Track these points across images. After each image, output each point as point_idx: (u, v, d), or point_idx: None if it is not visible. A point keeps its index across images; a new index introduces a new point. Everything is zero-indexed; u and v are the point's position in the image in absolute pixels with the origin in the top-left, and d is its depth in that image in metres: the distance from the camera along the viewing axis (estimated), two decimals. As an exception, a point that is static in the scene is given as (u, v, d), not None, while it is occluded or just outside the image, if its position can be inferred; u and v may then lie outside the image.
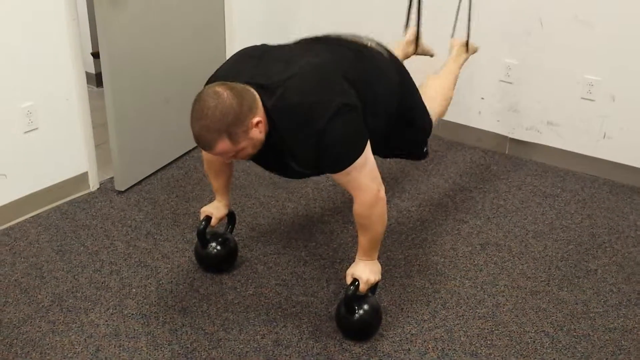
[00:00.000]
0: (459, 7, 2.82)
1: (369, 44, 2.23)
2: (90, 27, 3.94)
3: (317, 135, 1.87)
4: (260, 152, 1.97)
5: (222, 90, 1.83)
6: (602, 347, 2.18)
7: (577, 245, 2.72)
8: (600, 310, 2.35)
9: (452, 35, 2.88)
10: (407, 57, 2.87)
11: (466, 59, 2.85)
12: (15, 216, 2.78)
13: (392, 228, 2.77)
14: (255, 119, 1.87)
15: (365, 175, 1.97)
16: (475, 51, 2.91)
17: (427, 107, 2.43)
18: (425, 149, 2.52)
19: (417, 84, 2.43)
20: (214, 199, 2.45)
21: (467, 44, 2.83)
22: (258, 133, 1.89)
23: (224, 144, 1.85)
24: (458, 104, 3.51)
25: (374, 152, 2.03)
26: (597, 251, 2.69)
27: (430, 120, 2.46)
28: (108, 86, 2.84)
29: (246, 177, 3.19)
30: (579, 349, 2.17)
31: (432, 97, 2.52)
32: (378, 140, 2.11)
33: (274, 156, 2.02)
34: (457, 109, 3.55)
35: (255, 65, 2.01)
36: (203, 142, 1.87)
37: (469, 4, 2.79)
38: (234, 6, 3.46)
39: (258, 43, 2.18)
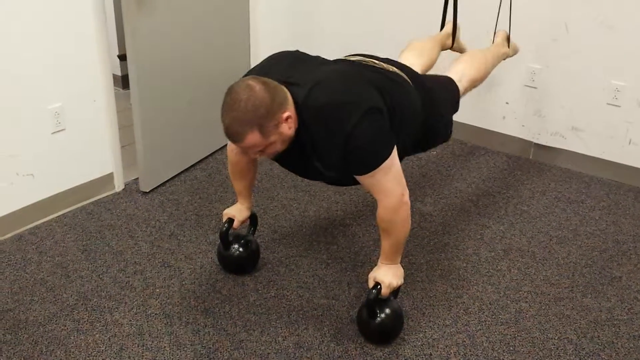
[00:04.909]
0: (500, 3, 2.88)
1: (391, 69, 2.24)
2: (117, 29, 3.99)
3: (344, 136, 1.88)
4: (287, 151, 1.98)
5: (254, 84, 1.85)
6: (626, 354, 2.16)
7: (602, 252, 2.69)
8: (625, 317, 2.33)
9: (495, 29, 2.94)
10: (444, 49, 2.91)
11: (506, 54, 2.90)
12: (42, 216, 2.82)
13: (414, 232, 2.76)
14: (286, 114, 1.88)
15: (390, 179, 1.97)
16: (516, 52, 2.98)
17: (460, 72, 2.53)
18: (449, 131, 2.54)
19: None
20: (237, 202, 2.47)
21: (508, 38, 2.89)
22: (287, 129, 1.91)
23: (254, 137, 1.86)
24: (482, 109, 3.51)
25: (405, 155, 2.03)
26: (621, 258, 2.66)
27: (453, 108, 2.48)
28: (134, 88, 2.87)
29: (269, 180, 3.20)
30: (603, 357, 2.15)
31: (466, 62, 2.62)
32: (405, 147, 2.12)
33: (301, 156, 2.02)
34: (480, 113, 3.54)
35: (288, 66, 2.05)
36: (233, 133, 1.87)
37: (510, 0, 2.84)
38: (258, 11, 3.48)
39: (282, 48, 2.21)
